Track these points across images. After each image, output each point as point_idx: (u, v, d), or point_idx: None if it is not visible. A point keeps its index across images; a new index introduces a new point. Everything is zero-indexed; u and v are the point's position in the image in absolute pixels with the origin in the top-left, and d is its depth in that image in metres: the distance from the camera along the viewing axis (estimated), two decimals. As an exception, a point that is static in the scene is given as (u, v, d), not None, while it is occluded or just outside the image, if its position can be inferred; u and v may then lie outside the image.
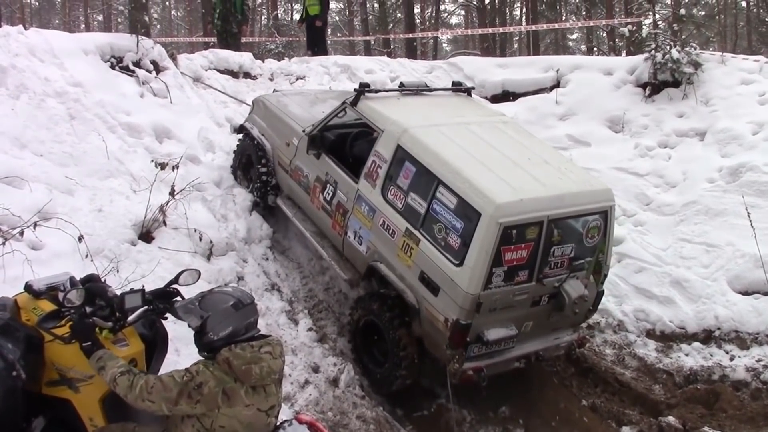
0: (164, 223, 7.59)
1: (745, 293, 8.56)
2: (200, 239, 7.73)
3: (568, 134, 11.42)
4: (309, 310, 8.05)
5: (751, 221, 8.49)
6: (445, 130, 7.14)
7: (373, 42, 28.92)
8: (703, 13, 31.85)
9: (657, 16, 28.72)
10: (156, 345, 4.74)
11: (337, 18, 41.96)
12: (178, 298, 4.51)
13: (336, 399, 6.87)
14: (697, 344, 8.33)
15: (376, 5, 32.20)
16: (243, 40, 23.88)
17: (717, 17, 32.45)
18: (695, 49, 11.71)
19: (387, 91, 8.22)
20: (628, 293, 8.92)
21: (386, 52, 27.68)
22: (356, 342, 7.49)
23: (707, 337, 8.38)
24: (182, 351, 6.21)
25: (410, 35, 24.73)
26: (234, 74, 12.47)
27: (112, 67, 10.34)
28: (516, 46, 35.45)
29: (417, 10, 36.57)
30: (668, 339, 8.49)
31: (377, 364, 7.25)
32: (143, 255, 7.18)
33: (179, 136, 9.55)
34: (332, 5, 41.97)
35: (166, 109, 10.03)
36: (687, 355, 8.25)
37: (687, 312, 8.54)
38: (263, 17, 37.33)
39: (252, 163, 8.99)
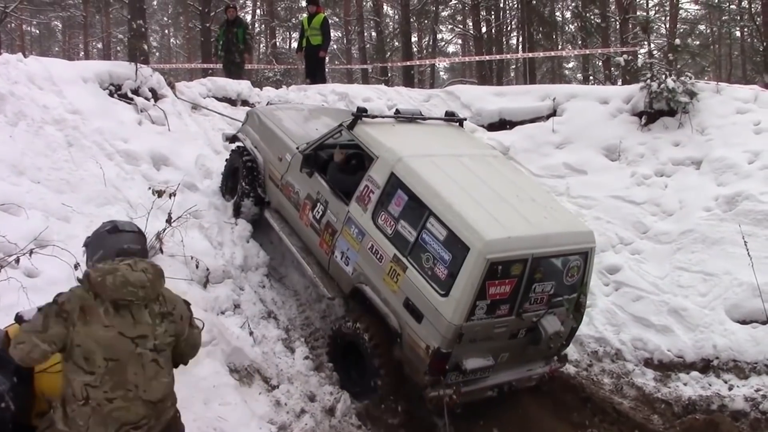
0: (161, 250, 7.54)
1: (743, 322, 8.51)
2: (197, 266, 7.70)
3: (565, 162, 11.45)
4: (305, 338, 8.02)
5: (748, 250, 8.52)
6: (439, 162, 7.27)
7: (371, 70, 29.13)
8: (698, 42, 32.15)
9: (652, 45, 29.05)
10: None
11: (335, 46, 42.35)
12: None
13: (332, 429, 6.83)
14: (695, 373, 8.28)
15: (374, 34, 32.52)
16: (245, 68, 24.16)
17: (712, 47, 32.76)
18: (690, 78, 11.78)
19: (383, 117, 8.29)
20: (626, 322, 8.89)
21: (384, 80, 27.85)
22: (335, 360, 7.59)
23: (705, 366, 8.33)
24: (178, 379, 6.19)
25: (407, 63, 24.88)
26: (232, 102, 12.53)
27: (111, 94, 10.46)
28: (513, 74, 35.77)
29: (414, 39, 36.98)
30: (666, 368, 8.44)
31: (353, 383, 7.36)
32: (140, 283, 7.13)
33: (177, 163, 9.58)
34: (332, 34, 42.60)
35: (163, 137, 10.09)
36: (685, 384, 8.20)
37: (685, 341, 8.50)
38: (262, 45, 37.64)
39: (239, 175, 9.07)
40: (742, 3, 29.09)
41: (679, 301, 8.86)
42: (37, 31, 47.21)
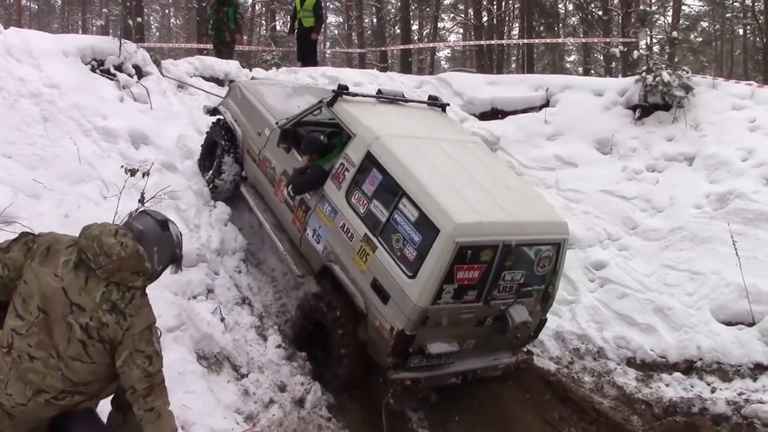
0: (132, 231, 7.32)
1: (729, 324, 8.36)
2: (169, 249, 7.46)
3: (556, 154, 11.27)
4: (280, 326, 7.80)
5: (736, 250, 8.39)
6: (416, 144, 7.18)
7: (371, 56, 28.87)
8: (700, 39, 31.89)
9: (654, 40, 28.81)
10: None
11: (336, 31, 42.02)
12: None
13: (301, 420, 6.59)
14: (678, 374, 8.13)
15: (375, 20, 32.23)
16: (239, 49, 23.87)
17: (713, 43, 32.49)
18: (687, 72, 11.57)
19: (364, 96, 8.16)
20: (610, 319, 8.73)
21: (383, 67, 27.60)
22: (300, 338, 7.51)
23: (689, 367, 8.18)
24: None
25: (403, 48, 24.64)
26: (219, 82, 12.25)
27: (93, 70, 10.19)
28: (513, 65, 35.46)
29: (416, 27, 36.69)
30: (649, 368, 8.29)
31: (318, 362, 7.26)
32: (108, 264, 6.91)
33: (157, 142, 9.34)
34: (331, 18, 42.28)
35: (145, 115, 9.85)
36: (667, 385, 8.03)
37: (669, 341, 8.35)
38: (262, 28, 37.31)
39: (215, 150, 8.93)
40: (746, 1, 28.85)
41: (664, 300, 8.71)
42: (36, 7, 46.76)
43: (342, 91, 7.74)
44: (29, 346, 3.32)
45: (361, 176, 7.06)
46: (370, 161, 7.01)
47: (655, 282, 8.98)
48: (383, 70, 25.93)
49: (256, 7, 37.38)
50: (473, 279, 6.41)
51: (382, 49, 27.91)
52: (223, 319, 7.30)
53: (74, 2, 42.95)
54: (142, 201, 7.32)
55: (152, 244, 3.60)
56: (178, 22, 47.72)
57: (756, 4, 27.81)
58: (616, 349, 8.47)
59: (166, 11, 49.77)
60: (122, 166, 7.37)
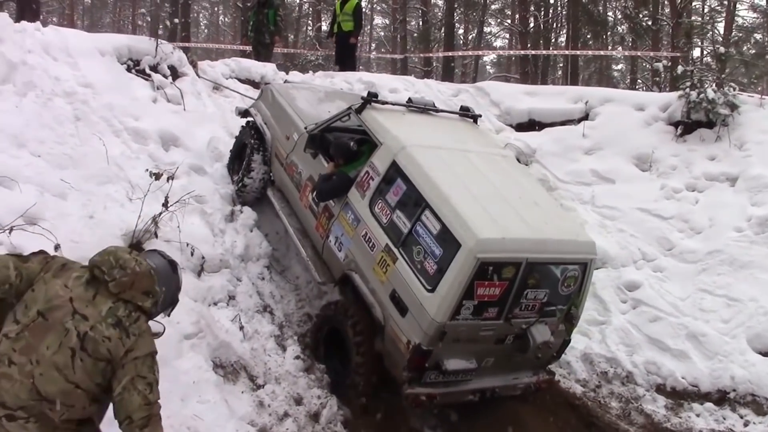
0: (156, 235, 7.30)
1: (766, 354, 8.05)
2: (192, 254, 7.44)
3: (593, 169, 10.99)
4: (300, 336, 7.70)
5: (776, 277, 8.02)
6: (443, 155, 7.08)
7: (416, 60, 28.73)
8: (753, 51, 31.04)
9: (705, 52, 28.11)
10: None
11: (381, 33, 42.00)
12: None
13: (315, 435, 6.51)
14: (709, 405, 7.83)
15: (421, 23, 32.06)
16: (283, 50, 23.96)
17: (767, 56, 31.58)
18: (733, 89, 11.19)
19: (394, 104, 8.07)
20: (641, 343, 8.44)
21: (426, 71, 27.44)
22: (318, 346, 7.47)
23: (721, 398, 7.88)
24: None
25: (444, 54, 24.43)
26: (255, 84, 12.26)
27: (129, 69, 10.25)
28: (560, 72, 34.97)
29: (461, 31, 36.45)
30: (679, 396, 8.00)
31: (335, 372, 7.20)
32: (130, 268, 6.87)
33: (187, 144, 9.34)
34: (377, 20, 42.28)
35: (177, 116, 9.86)
36: (698, 415, 7.74)
37: (701, 369, 8.04)
38: (309, 29, 37.40)
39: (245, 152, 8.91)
40: (802, 12, 28.00)
41: (699, 326, 8.40)
42: (89, 1, 47.56)
43: (371, 98, 7.68)
44: (13, 350, 3.23)
45: (385, 186, 6.98)
46: (395, 171, 6.92)
47: (689, 306, 8.68)
48: (426, 74, 25.88)
49: (303, 8, 37.47)
50: (494, 296, 6.28)
51: (424, 54, 27.73)
52: (242, 327, 7.24)
53: (126, -2, 43.63)
54: (166, 205, 7.31)
55: (161, 282, 3.60)
56: (226, 20, 48.16)
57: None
58: (646, 375, 8.20)
59: (216, 9, 50.21)
60: (147, 170, 7.35)
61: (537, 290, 6.51)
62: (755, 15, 31.40)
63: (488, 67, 44.12)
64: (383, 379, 6.90)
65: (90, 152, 8.08)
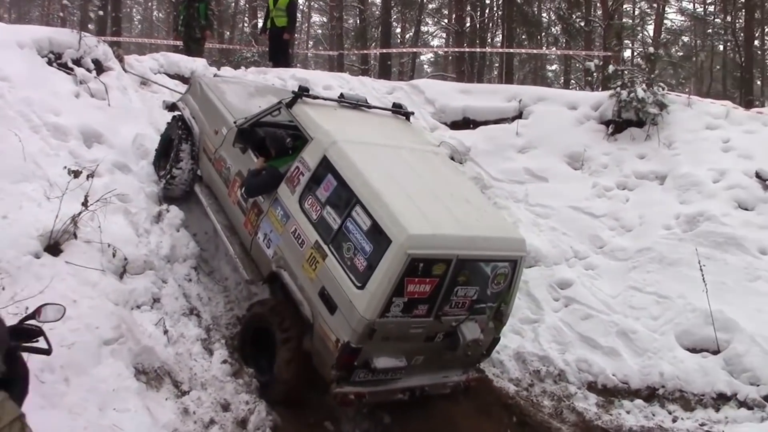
0: (75, 235, 6.96)
1: (694, 350, 8.17)
2: (114, 255, 7.12)
3: (526, 168, 11.04)
4: (228, 339, 7.45)
5: (703, 275, 8.18)
6: (375, 151, 7.06)
7: (353, 58, 28.54)
8: (680, 53, 31.90)
9: (634, 53, 28.72)
10: (12, 384, 4.13)
11: (319, 31, 41.65)
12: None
13: (242, 442, 6.30)
14: (639, 401, 7.91)
15: (358, 21, 31.86)
16: (219, 47, 23.48)
17: (693, 58, 32.52)
18: (662, 89, 11.39)
19: (325, 99, 7.94)
20: (573, 341, 8.49)
21: (363, 69, 27.29)
22: (245, 346, 7.28)
23: (650, 394, 7.97)
24: (72, 380, 5.67)
25: (382, 50, 24.34)
26: (185, 80, 11.84)
27: (50, 63, 9.75)
28: (495, 72, 35.27)
29: (399, 30, 36.40)
30: (610, 393, 8.06)
31: (261, 370, 7.02)
32: (46, 270, 6.50)
33: (111, 141, 8.97)
34: (315, 18, 41.92)
35: (101, 112, 9.45)
36: (628, 412, 7.81)
37: (631, 366, 8.13)
38: (244, 25, 36.81)
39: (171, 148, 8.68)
40: (726, 17, 28.88)
41: (629, 323, 8.50)
42: (15, -5, 45.78)
43: (302, 92, 7.57)
44: None
45: (315, 181, 6.88)
46: (325, 166, 6.82)
47: (620, 304, 8.77)
48: (364, 72, 25.67)
49: (239, 4, 36.89)
50: (424, 293, 6.20)
51: (360, 52, 27.60)
52: (166, 332, 6.95)
53: (56, -8, 42.15)
54: (85, 204, 6.97)
55: None
56: (160, 15, 47.05)
57: (737, 21, 27.83)
58: (578, 373, 8.23)
59: (149, 4, 49.04)
60: (65, 167, 6.98)
61: (467, 287, 6.47)
62: (683, 18, 32.35)
63: (425, 66, 44.21)
64: (312, 379, 6.77)
65: (5, 149, 7.66)
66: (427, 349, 6.63)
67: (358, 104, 8.00)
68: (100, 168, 8.19)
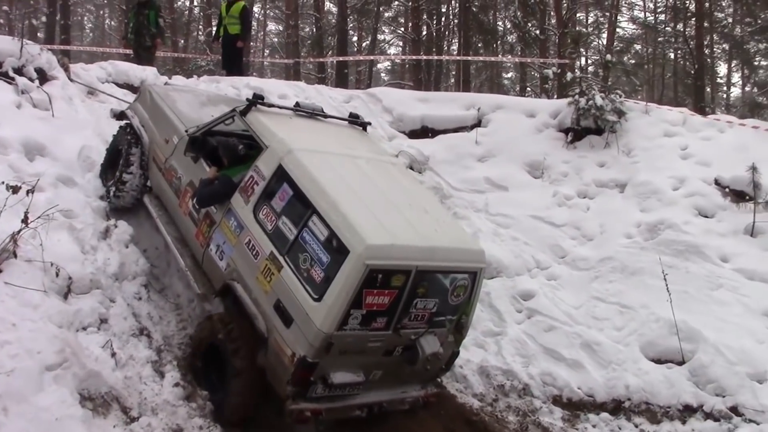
0: (14, 254, 6.57)
1: (658, 361, 8.07)
2: (57, 274, 6.73)
3: (486, 177, 10.94)
4: (180, 360, 7.10)
5: (666, 284, 8.10)
6: (332, 160, 6.90)
7: (310, 66, 28.28)
8: (633, 61, 32.31)
9: (589, 61, 29.00)
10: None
11: (275, 39, 41.29)
12: None
13: (195, 470, 5.97)
14: (605, 415, 7.77)
15: (315, 29, 31.62)
16: (173, 55, 23.00)
17: (646, 66, 32.98)
18: (620, 96, 11.40)
19: (281, 107, 7.78)
20: (537, 354, 8.33)
21: (320, 77, 27.06)
22: (195, 364, 7.01)
23: (616, 407, 7.83)
24: (11, 409, 5.29)
25: (339, 59, 24.15)
26: (134, 89, 11.49)
27: (-12, 73, 9.32)
28: (452, 80, 35.32)
29: (355, 39, 36.26)
30: (575, 407, 7.90)
31: (213, 389, 6.76)
32: (-18, 291, 6.13)
33: (55, 153, 8.56)
34: (271, 27, 41.55)
35: (44, 123, 9.03)
36: (594, 426, 7.66)
37: (596, 378, 7.99)
38: (199, 33, 36.30)
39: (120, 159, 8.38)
40: (677, 26, 29.35)
41: (592, 335, 8.38)
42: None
43: (256, 100, 7.39)
44: None
45: (270, 190, 6.69)
46: (281, 175, 6.64)
47: (583, 315, 8.66)
48: (321, 81, 25.45)
49: (193, 12, 36.39)
50: (383, 305, 6.05)
51: (317, 60, 27.39)
52: (114, 354, 6.57)
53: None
54: (25, 221, 6.56)
55: None
56: (113, 23, 46.18)
57: (687, 29, 28.28)
58: (543, 386, 8.07)
59: (101, 12, 48.09)
60: (2, 182, 6.59)
61: (427, 300, 6.31)
62: (635, 27, 32.80)
63: (383, 74, 44.21)
64: (266, 396, 6.54)
65: (-62, 163, 7.25)
66: (385, 363, 6.48)
67: (314, 113, 7.85)
68: (44, 182, 7.82)
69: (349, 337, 5.99)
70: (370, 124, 8.56)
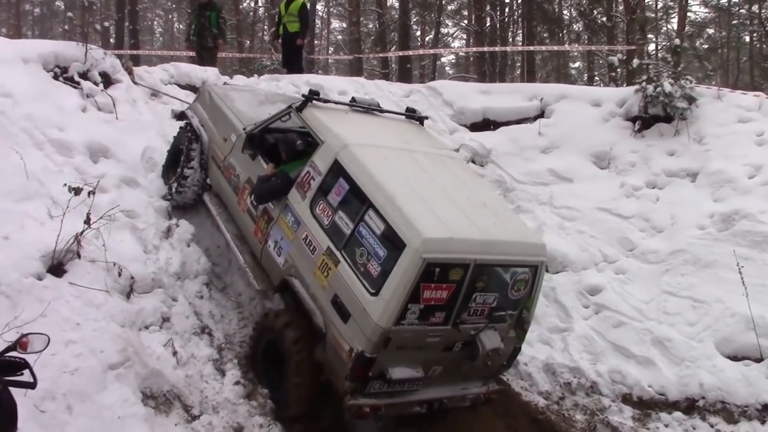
0: (78, 255, 6.68)
1: (735, 358, 7.74)
2: (119, 274, 6.83)
3: (550, 168, 10.64)
4: (241, 359, 7.13)
5: (742, 276, 7.75)
6: (388, 154, 6.85)
7: (374, 62, 28.29)
8: (706, 46, 31.19)
9: (659, 47, 28.11)
10: (-4, 420, 3.85)
11: (339, 37, 41.52)
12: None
13: (255, 470, 5.96)
14: (678, 414, 7.51)
15: (378, 25, 31.61)
16: (238, 56, 23.28)
17: (719, 51, 31.80)
18: (690, 82, 10.91)
19: (336, 103, 7.82)
20: (605, 351, 8.09)
21: (384, 73, 27.03)
22: (256, 361, 7.09)
23: (690, 406, 7.55)
24: (75, 408, 5.38)
25: (400, 53, 24.04)
26: (196, 90, 11.56)
27: (56, 77, 9.54)
28: (518, 71, 34.78)
29: (418, 33, 36.11)
30: (646, 406, 7.66)
31: (273, 385, 6.82)
32: (49, 292, 6.23)
33: (119, 155, 8.72)
34: (335, 24, 41.79)
35: (109, 125, 9.23)
36: (666, 426, 7.44)
37: (668, 376, 7.71)
38: (264, 33, 36.77)
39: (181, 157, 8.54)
40: (752, 7, 28.16)
41: (664, 330, 8.07)
42: (39, 11, 46.19)
43: (312, 96, 7.39)
44: None
45: (327, 185, 6.70)
46: (337, 170, 6.64)
47: (654, 310, 8.34)
48: (384, 76, 25.41)
49: (258, 12, 36.83)
50: (441, 299, 5.97)
51: (379, 55, 27.36)
52: (175, 353, 6.65)
53: (77, 7, 42.35)
54: (88, 222, 6.67)
55: None
56: (181, 27, 47.17)
57: (762, 11, 27.12)
58: (611, 384, 7.84)
59: (170, 16, 49.23)
60: (65, 184, 6.71)
61: (486, 294, 6.22)
62: (707, 10, 31.62)
63: (447, 68, 43.86)
64: (325, 392, 6.52)
65: (7, 167, 7.41)
66: (444, 359, 6.40)
67: (370, 108, 7.82)
68: (107, 183, 8.00)
69: (407, 332, 5.93)
70: (427, 118, 8.48)
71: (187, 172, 8.35)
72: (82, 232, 6.70)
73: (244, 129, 7.90)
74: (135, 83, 10.78)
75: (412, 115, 8.14)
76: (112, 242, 6.99)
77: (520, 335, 6.67)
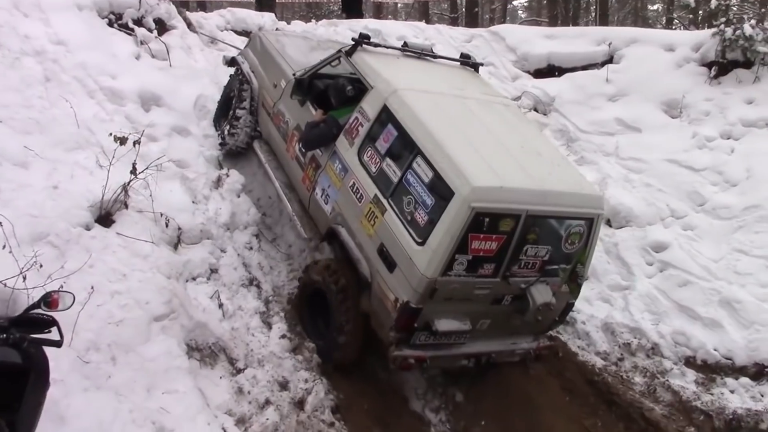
0: (126, 205, 6.65)
1: (811, 323, 7.22)
2: (167, 225, 6.78)
3: (617, 117, 10.17)
4: (287, 312, 7.04)
5: (822, 236, 7.16)
6: (439, 100, 6.67)
7: (444, 6, 27.68)
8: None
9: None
10: (28, 375, 3.82)
11: (407, -20, 40.71)
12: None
13: (300, 425, 5.89)
14: (745, 380, 7.13)
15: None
16: (302, 1, 23.05)
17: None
18: (774, 23, 10.18)
19: (387, 48, 7.66)
20: (668, 311, 7.73)
21: (453, 18, 26.46)
22: (301, 310, 7.06)
23: (759, 372, 7.16)
24: (119, 359, 5.37)
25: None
26: (253, 36, 11.47)
27: (110, 24, 9.46)
28: (592, 15, 33.43)
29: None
30: (711, 370, 7.30)
31: (319, 335, 6.81)
32: (96, 242, 6.21)
33: (171, 103, 8.61)
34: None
35: (162, 73, 9.12)
36: (732, 392, 7.05)
37: (736, 340, 7.31)
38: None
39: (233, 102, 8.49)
40: None
41: (733, 291, 7.64)
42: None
43: (362, 40, 7.23)
44: None
45: (375, 132, 6.58)
46: (386, 116, 6.50)
47: (723, 269, 7.91)
48: (453, 21, 24.83)
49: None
50: (490, 251, 5.83)
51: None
52: (221, 305, 6.59)
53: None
54: (134, 172, 6.61)
55: None
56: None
57: None
58: (674, 347, 7.49)
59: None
60: (110, 134, 6.63)
61: (538, 247, 6.03)
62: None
63: (519, 11, 42.51)
64: (370, 343, 6.48)
65: (59, 115, 7.39)
66: (493, 312, 6.27)
67: (422, 53, 7.58)
68: (158, 132, 7.96)
69: (454, 283, 5.81)
70: (482, 64, 8.22)
71: (239, 113, 8.30)
72: (129, 182, 6.65)
73: (293, 74, 7.74)
74: (189, 29, 10.63)
75: (466, 60, 7.85)
76: (161, 192, 6.94)
77: (573, 290, 6.45)
